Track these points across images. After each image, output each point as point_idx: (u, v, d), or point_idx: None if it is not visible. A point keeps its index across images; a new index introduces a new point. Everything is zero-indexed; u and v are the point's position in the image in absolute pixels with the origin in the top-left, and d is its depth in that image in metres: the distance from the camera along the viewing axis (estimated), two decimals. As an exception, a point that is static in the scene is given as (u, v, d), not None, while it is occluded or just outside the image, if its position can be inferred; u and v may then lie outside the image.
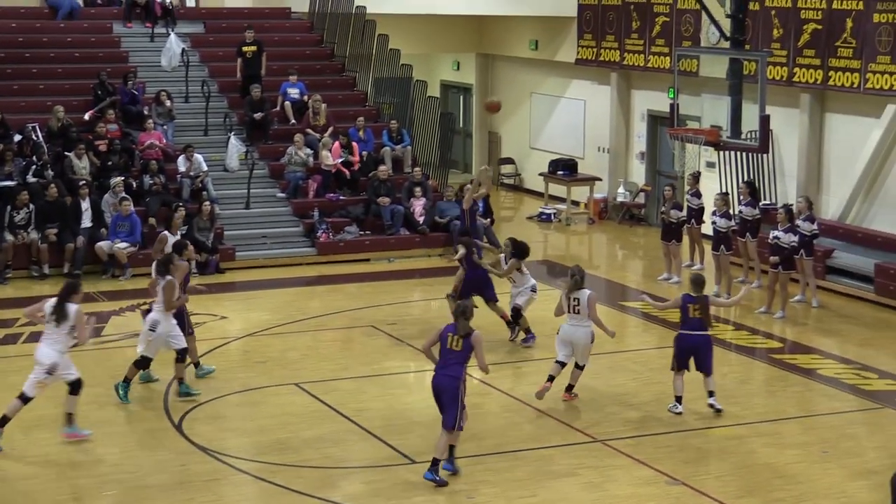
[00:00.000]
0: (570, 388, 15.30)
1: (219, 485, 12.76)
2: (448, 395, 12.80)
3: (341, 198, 24.51)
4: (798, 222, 19.92)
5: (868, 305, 20.47)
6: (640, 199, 27.63)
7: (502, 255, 17.80)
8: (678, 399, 14.88)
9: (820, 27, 22.48)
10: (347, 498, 12.41)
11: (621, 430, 14.31)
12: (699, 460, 13.53)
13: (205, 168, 23.82)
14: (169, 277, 15.04)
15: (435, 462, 12.71)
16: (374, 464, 13.32)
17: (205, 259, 22.09)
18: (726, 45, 20.60)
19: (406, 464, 13.28)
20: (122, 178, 22.73)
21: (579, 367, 15.27)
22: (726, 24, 20.74)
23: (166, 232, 18.19)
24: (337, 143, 24.91)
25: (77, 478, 12.84)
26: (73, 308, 13.58)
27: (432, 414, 14.79)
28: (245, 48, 26.30)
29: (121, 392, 15.13)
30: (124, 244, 21.85)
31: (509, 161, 32.12)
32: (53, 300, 13.68)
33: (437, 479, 12.64)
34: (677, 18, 25.72)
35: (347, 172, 24.73)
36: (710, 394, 14.90)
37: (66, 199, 22.00)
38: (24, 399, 13.56)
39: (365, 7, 27.70)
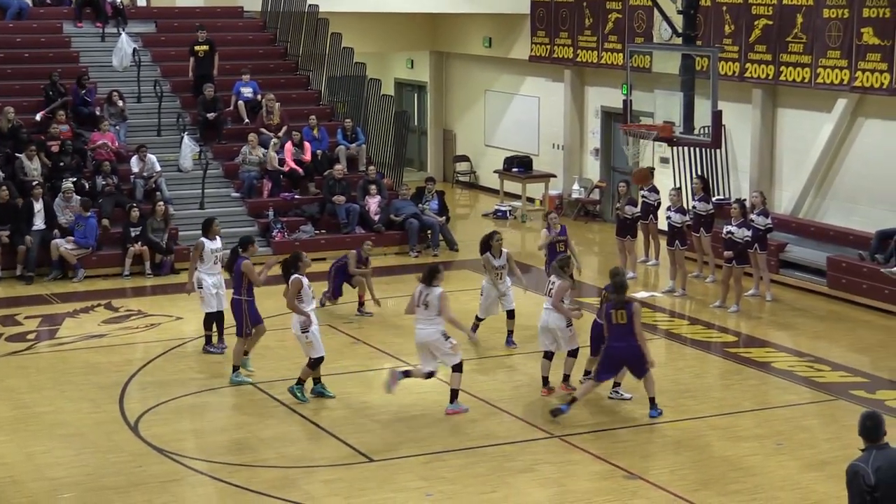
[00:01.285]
0: (566, 378, 15.52)
1: (176, 485, 12.69)
2: (635, 358, 14.32)
3: (296, 197, 24.46)
4: (752, 217, 20.06)
5: (821, 298, 20.64)
6: (595, 195, 27.74)
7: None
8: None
9: (771, 23, 22.64)
10: (306, 497, 12.37)
11: (579, 425, 14.35)
12: (656, 454, 13.61)
13: (158, 168, 23.70)
14: (295, 276, 15.01)
15: (652, 401, 14.50)
16: (333, 462, 13.29)
17: (159, 260, 21.99)
18: (678, 41, 20.79)
19: (364, 462, 13.26)
20: (73, 180, 22.56)
21: (571, 355, 15.44)
22: (678, 21, 20.91)
23: (203, 238, 17.29)
24: (289, 144, 24.84)
25: (33, 481, 12.73)
26: (437, 291, 14.39)
27: (390, 411, 14.86)
28: (197, 47, 26.17)
29: (298, 395, 15.12)
30: (72, 245, 21.69)
31: (464, 159, 32.16)
32: (421, 286, 14.49)
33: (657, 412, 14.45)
34: (630, 15, 25.83)
35: (301, 171, 24.69)
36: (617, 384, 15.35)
37: (18, 200, 21.82)
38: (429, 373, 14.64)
39: (318, 6, 27.64)
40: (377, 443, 13.78)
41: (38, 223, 21.73)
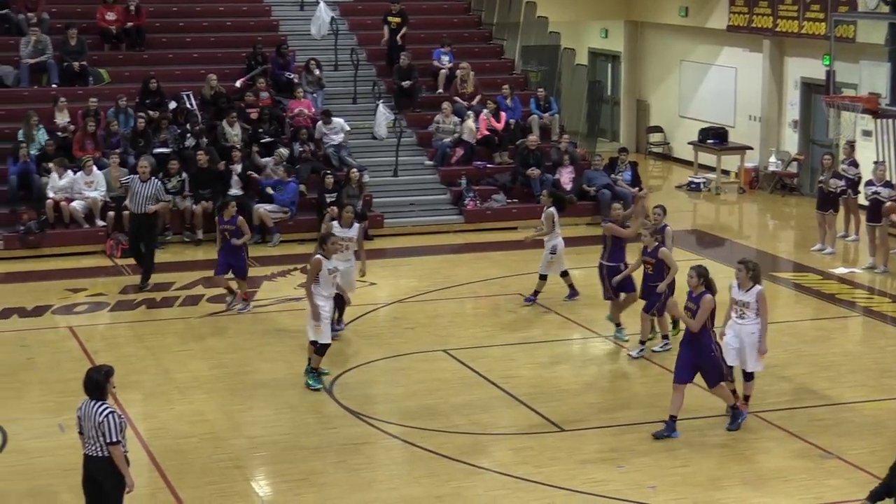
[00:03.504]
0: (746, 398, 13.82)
1: (369, 448, 12.91)
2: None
3: (489, 166, 24.50)
4: (959, 193, 19.31)
5: None
6: (793, 168, 27.08)
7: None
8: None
9: (985, -9, 21.69)
10: (496, 464, 12.44)
11: (773, 402, 14.06)
12: (854, 434, 13.23)
13: (345, 129, 23.89)
14: (316, 256, 14.56)
15: None
16: (522, 431, 13.32)
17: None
18: (885, 9, 20.10)
19: (554, 431, 13.25)
20: (283, 149, 23.05)
21: (748, 378, 13.73)
22: (886, -12, 20.22)
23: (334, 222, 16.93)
24: (483, 111, 24.85)
25: (231, 438, 13.09)
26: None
27: (581, 382, 14.83)
28: (390, 18, 26.42)
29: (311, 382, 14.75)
30: (272, 207, 22.15)
31: (658, 130, 31.75)
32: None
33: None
34: (833, -17, 25.07)
35: (497, 138, 24.70)
36: None
37: (219, 165, 22.38)
38: None
39: (513, -26, 27.63)
40: (568, 412, 13.76)
41: (235, 188, 22.24)
